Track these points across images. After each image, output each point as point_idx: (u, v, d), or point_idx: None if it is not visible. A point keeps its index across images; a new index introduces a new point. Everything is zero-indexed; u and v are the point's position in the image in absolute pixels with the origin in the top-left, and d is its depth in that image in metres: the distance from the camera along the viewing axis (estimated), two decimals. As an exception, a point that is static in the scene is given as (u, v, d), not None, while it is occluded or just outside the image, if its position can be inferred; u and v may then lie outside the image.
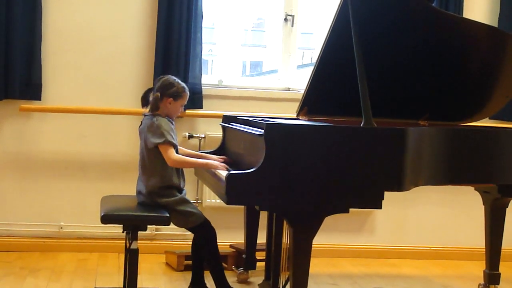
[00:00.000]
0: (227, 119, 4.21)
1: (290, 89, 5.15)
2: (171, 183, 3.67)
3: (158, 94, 3.70)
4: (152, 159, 3.66)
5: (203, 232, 3.73)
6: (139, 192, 3.75)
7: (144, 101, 3.79)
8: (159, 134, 3.60)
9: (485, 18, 5.19)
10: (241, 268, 4.36)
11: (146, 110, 3.78)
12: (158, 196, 3.64)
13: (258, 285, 4.05)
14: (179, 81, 3.78)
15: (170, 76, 3.83)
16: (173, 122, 3.74)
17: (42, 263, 4.53)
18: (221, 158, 3.83)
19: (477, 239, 4.65)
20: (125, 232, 3.71)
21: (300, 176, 3.07)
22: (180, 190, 3.71)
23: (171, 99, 3.71)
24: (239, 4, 5.54)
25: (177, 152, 3.67)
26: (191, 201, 3.79)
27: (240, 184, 3.05)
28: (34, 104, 4.73)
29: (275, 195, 3.07)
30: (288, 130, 3.13)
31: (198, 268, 3.88)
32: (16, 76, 4.64)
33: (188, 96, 3.80)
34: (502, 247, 4.29)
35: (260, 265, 4.25)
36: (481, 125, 4.41)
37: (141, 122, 3.79)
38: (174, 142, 3.62)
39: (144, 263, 4.50)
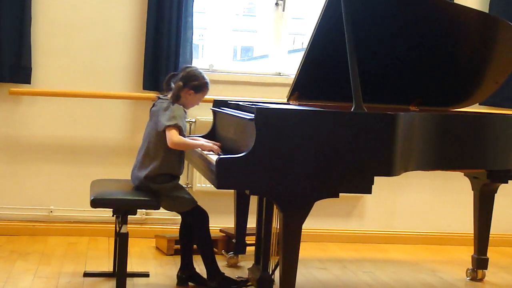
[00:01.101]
0: (218, 103, 4.21)
1: (281, 74, 5.14)
2: (170, 170, 3.66)
3: (181, 83, 3.67)
4: (158, 143, 3.62)
5: (196, 217, 3.73)
6: (134, 175, 3.73)
7: (167, 86, 3.76)
8: (172, 117, 3.57)
9: (476, 3, 5.18)
10: (231, 253, 4.37)
11: (163, 93, 3.78)
12: (152, 182, 3.63)
13: (248, 269, 4.06)
14: (204, 75, 3.74)
15: (196, 68, 3.79)
16: (186, 112, 3.72)
17: (32, 246, 4.53)
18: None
19: (466, 225, 4.67)
20: (115, 216, 3.71)
21: (290, 160, 3.08)
22: (175, 177, 3.71)
23: (192, 91, 3.68)
24: (230, -12, 5.53)
25: None
26: (183, 186, 3.79)
27: (230, 168, 3.06)
28: (24, 88, 4.71)
29: (265, 180, 3.08)
30: (278, 114, 3.14)
31: (187, 253, 3.88)
32: (6, 60, 4.62)
33: (208, 91, 3.77)
34: (491, 233, 4.32)
35: (250, 249, 4.26)
36: (471, 111, 4.42)
37: (154, 103, 3.77)
38: (181, 126, 3.59)
39: (134, 247, 4.51)
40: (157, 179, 3.64)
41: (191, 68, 3.77)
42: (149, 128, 3.72)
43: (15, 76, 4.66)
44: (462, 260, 4.74)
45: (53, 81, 4.77)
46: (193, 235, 3.81)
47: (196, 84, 3.69)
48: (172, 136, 3.57)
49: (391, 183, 4.35)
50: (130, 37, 4.85)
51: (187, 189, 4.72)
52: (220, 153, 3.52)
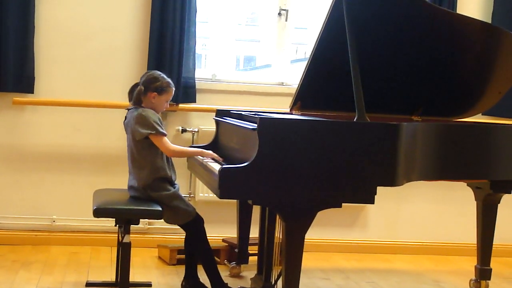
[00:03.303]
0: (221, 113, 4.21)
1: (284, 84, 5.15)
2: (163, 174, 3.67)
3: (142, 88, 3.69)
4: (141, 152, 3.65)
5: (194, 229, 3.73)
6: (131, 187, 3.74)
7: (131, 96, 3.79)
8: (148, 125, 3.59)
9: (479, 14, 5.19)
10: (234, 262, 4.37)
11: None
12: (151, 189, 3.64)
13: (251, 279, 4.06)
14: (165, 76, 3.76)
15: (156, 71, 3.83)
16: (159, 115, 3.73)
17: (35, 256, 4.53)
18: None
19: (469, 235, 4.66)
20: (117, 225, 3.71)
21: (293, 170, 3.07)
22: (172, 183, 3.71)
23: (155, 93, 3.70)
24: (233, -2, 5.54)
25: None
26: (184, 196, 3.79)
27: (233, 178, 3.05)
28: (27, 97, 4.71)
29: (268, 190, 3.07)
30: (281, 124, 3.13)
31: (191, 262, 3.88)
32: (9, 69, 4.63)
33: (173, 92, 3.78)
34: (494, 243, 4.30)
35: (253, 259, 4.26)
36: (474, 121, 4.42)
37: (125, 116, 3.79)
38: (165, 132, 3.62)
39: (137, 257, 4.50)
40: (155, 185, 3.64)
41: (150, 72, 3.81)
42: (128, 141, 3.74)
43: (18, 85, 4.67)
44: (465, 271, 4.73)
45: (56, 90, 4.78)
46: (192, 247, 3.80)
47: (157, 86, 3.70)
48: (168, 146, 3.61)
49: (394, 193, 4.34)
50: (133, 46, 4.86)
51: (189, 198, 4.74)
52: (222, 163, 3.51)
